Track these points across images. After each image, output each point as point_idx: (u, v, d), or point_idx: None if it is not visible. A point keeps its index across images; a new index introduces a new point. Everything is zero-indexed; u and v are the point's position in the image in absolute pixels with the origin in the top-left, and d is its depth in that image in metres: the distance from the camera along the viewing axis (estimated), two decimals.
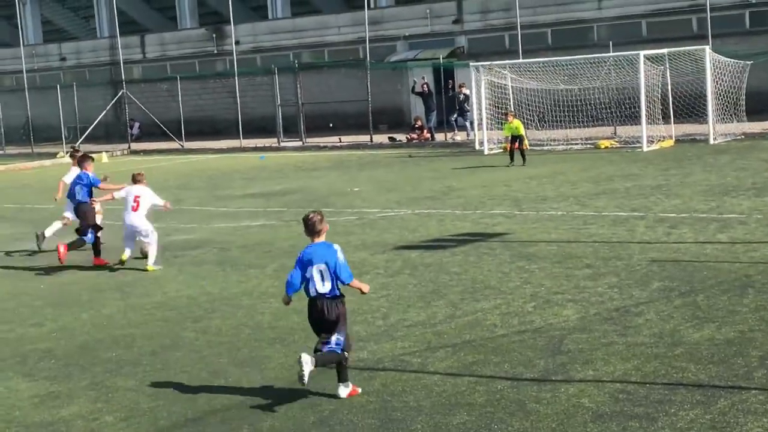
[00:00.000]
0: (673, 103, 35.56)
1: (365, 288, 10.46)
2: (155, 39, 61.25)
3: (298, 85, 47.10)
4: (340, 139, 44.36)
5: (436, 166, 32.17)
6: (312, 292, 10.00)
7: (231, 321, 13.32)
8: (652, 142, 33.34)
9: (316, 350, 9.91)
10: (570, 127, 36.51)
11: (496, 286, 14.24)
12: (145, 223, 17.77)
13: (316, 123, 47.80)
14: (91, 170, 19.00)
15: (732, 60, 35.15)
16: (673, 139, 34.40)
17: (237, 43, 53.00)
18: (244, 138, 47.65)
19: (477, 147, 37.09)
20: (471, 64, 38.94)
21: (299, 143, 45.56)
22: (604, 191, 23.48)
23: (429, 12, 50.33)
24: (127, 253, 17.82)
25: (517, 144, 31.12)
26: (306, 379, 9.55)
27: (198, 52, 58.41)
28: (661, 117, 34.68)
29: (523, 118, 37.94)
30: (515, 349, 11.00)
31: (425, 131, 42.71)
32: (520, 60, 39.97)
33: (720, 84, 34.43)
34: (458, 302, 13.42)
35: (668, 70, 35.03)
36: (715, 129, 33.79)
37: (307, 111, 47.23)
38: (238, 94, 49.86)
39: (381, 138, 43.76)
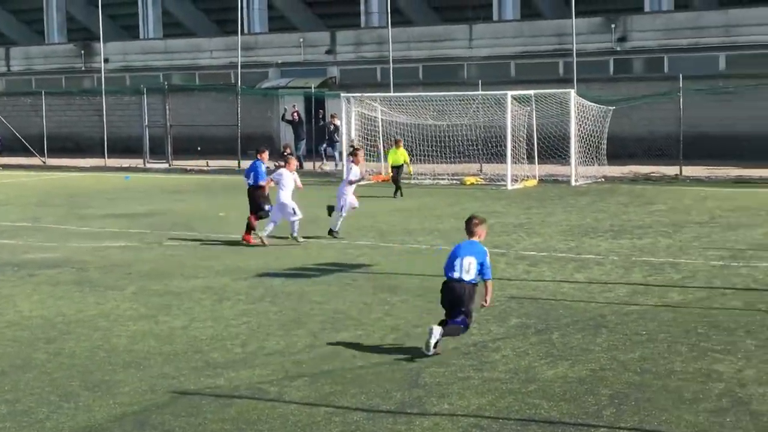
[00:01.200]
0: (537, 143, 36.32)
1: (491, 297, 12.49)
2: (21, 52, 59.87)
3: (167, 107, 46.59)
4: (207, 163, 43.99)
5: (303, 195, 32.12)
6: (455, 276, 12.03)
7: (86, 343, 13.02)
8: (517, 180, 33.97)
9: (442, 323, 11.96)
10: (437, 162, 36.95)
11: (357, 317, 14.26)
12: None
13: (184, 146, 47.32)
14: None
15: (595, 105, 36.11)
16: (537, 178, 35.11)
17: (106, 60, 52.19)
18: (109, 157, 46.86)
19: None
20: (342, 94, 39.13)
21: (166, 165, 45.04)
22: None
23: (302, 41, 50.45)
24: None
25: (394, 174, 31.58)
26: (432, 348, 11.72)
27: (65, 67, 57.30)
28: (526, 157, 35.38)
29: None
30: (373, 381, 11.02)
31: (293, 159, 42.58)
32: (391, 93, 40.33)
33: (583, 127, 35.32)
34: (318, 332, 13.40)
35: (534, 111, 35.80)
36: (577, 171, 34.62)
37: (175, 133, 46.75)
38: (104, 113, 49.02)
39: (248, 164, 43.44)
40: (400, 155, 32.27)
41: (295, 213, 21.50)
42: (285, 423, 9.71)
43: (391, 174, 32.36)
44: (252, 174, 22.58)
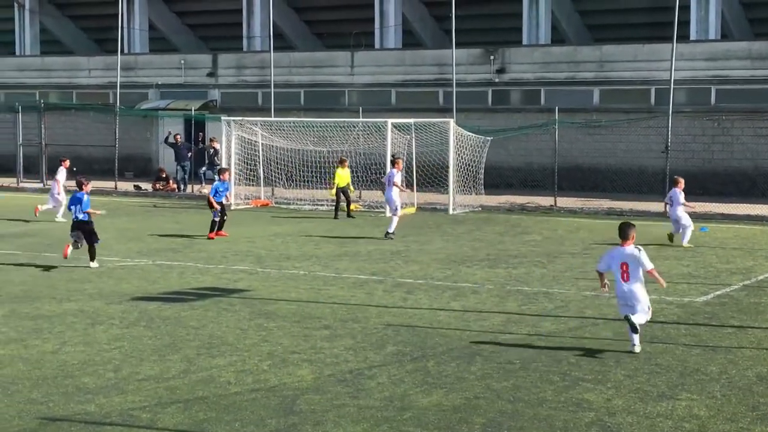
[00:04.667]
0: (417, 171, 36.65)
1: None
2: None
3: (43, 126, 45.68)
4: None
5: (181, 218, 31.86)
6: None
7: None
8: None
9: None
10: (317, 188, 36.98)
11: (234, 342, 14.16)
12: None
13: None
14: None
15: (474, 135, 36.62)
16: (416, 206, 35.41)
17: None
18: None
19: (224, 201, 36.89)
20: (223, 118, 38.92)
21: (40, 185, 44.08)
22: (346, 253, 23.85)
23: (183, 62, 50.04)
24: None
25: (343, 196, 32.14)
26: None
27: None
28: (404, 184, 35.63)
29: (272, 176, 38.23)
30: (248, 408, 10.95)
31: (171, 182, 42.27)
32: (272, 118, 40.25)
33: (462, 156, 35.77)
34: (194, 357, 13.26)
35: (414, 139, 36.13)
36: (455, 200, 35.02)
37: (51, 153, 45.80)
38: None
39: (126, 185, 42.95)
40: (346, 175, 32.47)
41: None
42: None
43: (334, 195, 32.51)
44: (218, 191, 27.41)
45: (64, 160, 33.27)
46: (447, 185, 35.21)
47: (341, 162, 33.13)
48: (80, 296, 17.79)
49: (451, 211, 34.37)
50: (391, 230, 26.80)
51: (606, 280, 14.18)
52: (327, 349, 13.76)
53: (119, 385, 11.87)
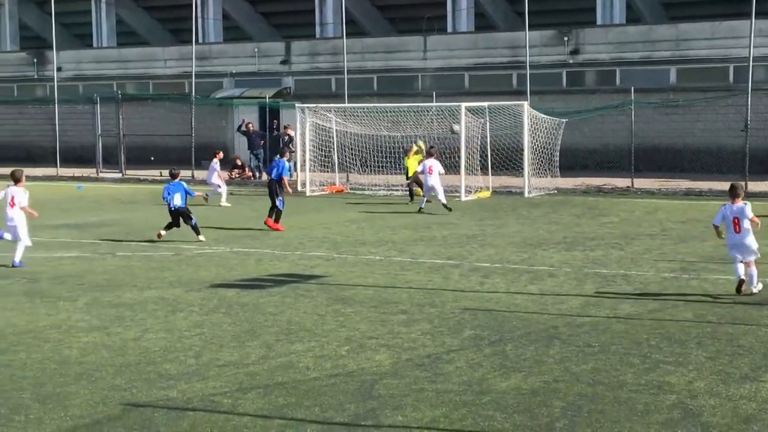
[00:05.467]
0: (491, 155, 36.50)
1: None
2: None
3: (121, 116, 46.31)
4: (161, 173, 43.72)
5: (257, 206, 32.09)
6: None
7: (36, 355, 12.90)
8: (470, 192, 34.11)
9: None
10: (392, 173, 37.01)
11: (311, 328, 14.25)
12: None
13: (137, 155, 47.05)
14: None
15: (548, 117, 36.37)
16: (490, 190, 35.27)
17: (59, 69, 51.78)
18: (61, 167, 46.49)
19: (299, 188, 37.16)
20: (297, 105, 39.12)
21: (119, 175, 44.74)
22: (421, 238, 23.85)
23: (257, 51, 50.36)
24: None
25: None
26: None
27: (17, 76, 56.75)
28: (479, 168, 35.55)
29: (346, 162, 38.36)
30: (327, 393, 11.02)
31: (247, 170, 42.60)
32: (346, 104, 40.36)
33: (536, 139, 35.55)
34: (273, 343, 13.37)
35: (488, 122, 35.97)
36: (530, 183, 34.82)
37: (129, 143, 46.48)
38: (57, 122, 48.65)
39: (203, 174, 43.36)
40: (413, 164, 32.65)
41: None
42: None
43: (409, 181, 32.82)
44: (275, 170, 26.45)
45: (218, 153, 35.43)
46: (522, 168, 35.03)
47: (415, 150, 33.21)
48: (160, 284, 18.03)
49: (526, 194, 34.19)
50: (444, 201, 29.49)
51: (721, 231, 16.71)
52: (404, 334, 13.79)
53: (200, 371, 12.01)
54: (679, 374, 11.64)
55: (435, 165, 29.97)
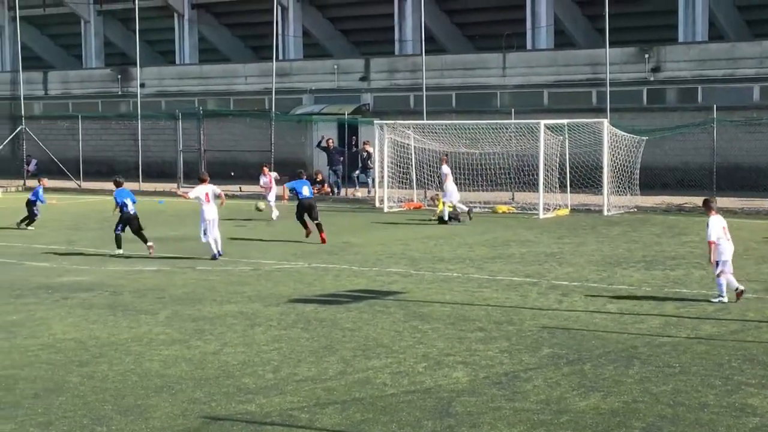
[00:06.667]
0: (570, 172, 36.24)
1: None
2: (58, 76, 60.44)
3: (202, 132, 46.87)
4: (240, 188, 44.17)
5: (335, 221, 32.24)
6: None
7: (118, 367, 13.10)
8: (549, 209, 33.90)
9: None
10: (469, 190, 36.93)
11: (389, 344, 14.27)
12: None
13: (218, 170, 47.40)
14: None
15: (628, 134, 36.02)
16: (569, 208, 35.02)
17: (142, 85, 52.60)
18: (143, 181, 47.14)
19: (377, 204, 37.27)
20: (375, 121, 39.24)
21: None
22: (499, 255, 23.76)
23: (337, 68, 50.67)
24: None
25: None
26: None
27: (102, 92, 57.76)
28: (558, 186, 35.32)
29: (424, 179, 38.39)
30: (404, 409, 11.03)
31: (326, 186, 42.83)
32: (424, 121, 40.39)
33: (616, 157, 35.23)
34: (350, 359, 13.42)
35: (567, 140, 35.74)
36: (610, 201, 34.50)
37: (209, 158, 47.00)
38: (140, 137, 49.42)
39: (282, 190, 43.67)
40: None
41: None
42: None
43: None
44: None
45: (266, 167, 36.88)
46: (601, 186, 34.73)
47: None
48: (239, 298, 18.20)
49: (605, 212, 33.88)
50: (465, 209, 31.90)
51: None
52: (482, 352, 13.75)
53: (278, 386, 12.09)
54: (762, 396, 11.44)
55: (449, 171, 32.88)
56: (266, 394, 11.71)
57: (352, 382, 12.22)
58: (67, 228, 31.01)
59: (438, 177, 36.13)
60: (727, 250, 17.42)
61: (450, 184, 32.27)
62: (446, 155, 35.43)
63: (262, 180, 35.17)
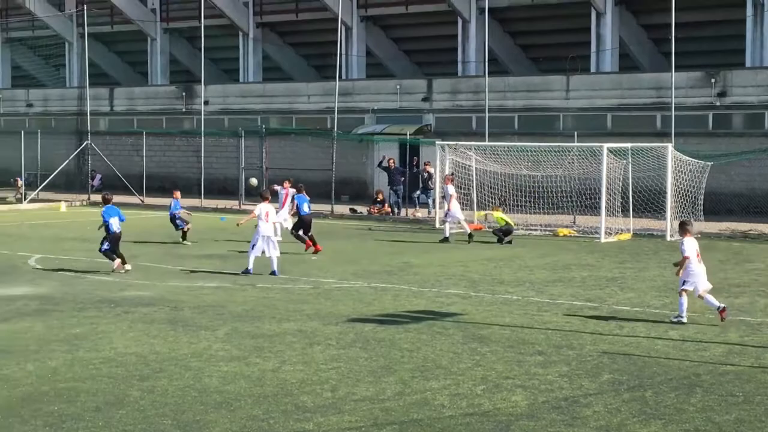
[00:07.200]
0: (633, 196, 35.94)
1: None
2: (124, 93, 61.28)
3: (264, 150, 47.21)
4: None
5: (395, 242, 32.25)
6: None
7: (178, 382, 13.18)
8: (610, 234, 33.63)
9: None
10: (530, 213, 36.78)
11: (447, 366, 14.21)
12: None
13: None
14: None
15: (693, 159, 35.67)
16: (631, 232, 34.73)
17: (206, 103, 53.15)
18: (205, 198, 47.57)
19: (437, 225, 37.23)
20: (437, 142, 39.25)
21: None
22: (560, 279, 23.60)
23: (399, 88, 50.80)
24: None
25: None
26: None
27: (166, 108, 58.45)
28: (620, 210, 35.04)
29: (485, 201, 38.29)
30: None
31: (386, 205, 42.89)
32: (486, 143, 40.33)
33: (680, 182, 34.90)
34: (408, 380, 13.38)
35: (630, 164, 35.46)
36: (673, 226, 34.12)
37: (271, 176, 47.28)
38: (203, 154, 49.88)
39: (342, 209, 43.87)
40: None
41: None
42: None
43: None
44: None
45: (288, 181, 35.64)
46: (664, 211, 34.40)
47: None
48: (299, 316, 18.24)
49: (668, 238, 33.53)
50: (447, 235, 32.29)
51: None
52: (541, 376, 13.64)
53: (336, 405, 12.09)
54: None
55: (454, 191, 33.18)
56: (324, 413, 11.71)
57: (410, 403, 12.17)
58: (129, 243, 31.29)
59: (482, 196, 36.19)
60: (697, 272, 18.06)
61: (454, 204, 32.74)
62: (452, 175, 35.43)
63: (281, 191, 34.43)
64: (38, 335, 16.40)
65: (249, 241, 25.05)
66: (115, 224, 24.19)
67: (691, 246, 18.18)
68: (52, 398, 12.32)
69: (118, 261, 24.03)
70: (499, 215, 32.65)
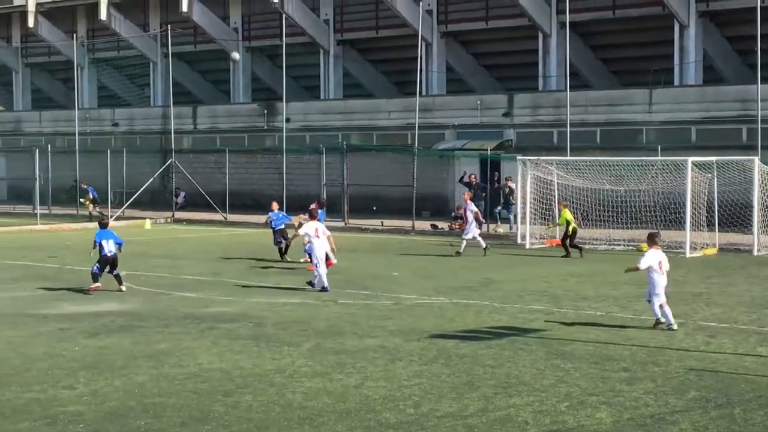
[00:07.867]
0: (718, 211, 35.40)
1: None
2: (207, 111, 62.10)
3: (345, 166, 47.43)
4: (382, 222, 44.51)
5: (478, 257, 32.14)
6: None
7: (262, 398, 13.27)
8: (696, 248, 33.15)
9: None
10: (613, 228, 36.40)
11: (530, 382, 14.12)
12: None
13: (360, 205, 48.01)
14: None
15: None
16: (717, 247, 34.19)
17: (287, 120, 53.58)
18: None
19: (519, 240, 37.04)
20: (518, 157, 39.09)
21: (342, 224, 45.69)
22: (644, 295, 23.26)
23: (480, 103, 50.72)
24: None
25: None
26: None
27: (248, 126, 59.08)
28: (705, 224, 34.53)
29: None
30: None
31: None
32: (568, 157, 40.05)
33: (767, 196, 34.28)
34: (491, 396, 13.31)
35: (715, 178, 34.94)
36: (760, 240, 33.56)
37: (352, 192, 47.52)
38: (284, 171, 50.27)
39: (423, 224, 43.86)
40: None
41: None
42: None
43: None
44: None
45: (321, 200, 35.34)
46: (751, 225, 33.82)
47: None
48: (381, 332, 18.26)
49: (755, 253, 32.95)
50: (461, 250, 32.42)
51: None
52: (626, 392, 13.47)
53: (419, 421, 12.06)
54: None
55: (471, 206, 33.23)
56: (407, 429, 11.69)
57: (494, 420, 12.11)
58: (213, 259, 31.67)
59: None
60: (660, 282, 18.63)
61: (472, 219, 32.89)
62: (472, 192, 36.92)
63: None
64: (125, 351, 16.64)
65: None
66: (107, 247, 23.70)
67: (651, 257, 18.70)
68: (138, 413, 12.49)
69: (97, 284, 23.59)
70: (567, 214, 32.44)
